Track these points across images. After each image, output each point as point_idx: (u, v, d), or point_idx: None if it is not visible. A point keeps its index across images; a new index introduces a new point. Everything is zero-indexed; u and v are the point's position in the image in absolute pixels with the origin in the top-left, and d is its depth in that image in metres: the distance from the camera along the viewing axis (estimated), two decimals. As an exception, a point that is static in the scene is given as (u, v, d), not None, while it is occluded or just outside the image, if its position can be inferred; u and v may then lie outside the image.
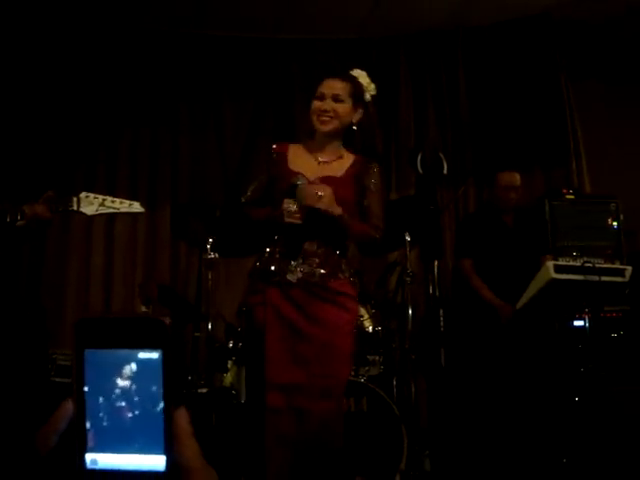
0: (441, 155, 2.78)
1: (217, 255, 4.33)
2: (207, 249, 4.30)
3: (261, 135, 5.94)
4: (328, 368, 3.08)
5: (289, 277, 3.14)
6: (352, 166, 3.29)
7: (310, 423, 3.04)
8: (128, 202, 3.28)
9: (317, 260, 3.17)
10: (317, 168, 3.27)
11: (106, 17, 5.70)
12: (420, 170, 2.52)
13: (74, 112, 5.70)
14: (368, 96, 3.36)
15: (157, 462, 0.73)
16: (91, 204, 3.12)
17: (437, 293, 2.07)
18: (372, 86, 3.38)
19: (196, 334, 4.63)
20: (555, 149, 5.85)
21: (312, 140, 3.34)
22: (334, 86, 3.25)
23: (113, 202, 3.21)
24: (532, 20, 5.93)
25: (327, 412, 3.08)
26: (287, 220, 3.07)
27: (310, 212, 3.07)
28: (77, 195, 3.12)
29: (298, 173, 3.18)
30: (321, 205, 3.05)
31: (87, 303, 5.54)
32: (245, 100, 6.00)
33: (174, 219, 5.51)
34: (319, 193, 3.05)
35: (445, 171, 2.48)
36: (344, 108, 3.23)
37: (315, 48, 6.03)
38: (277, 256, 3.19)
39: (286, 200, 3.07)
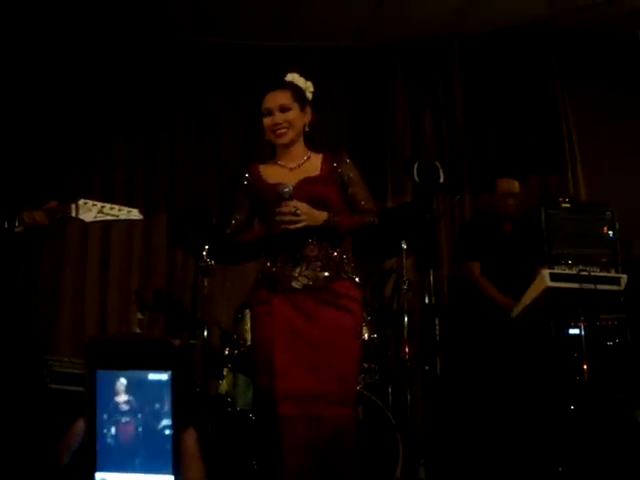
0: (437, 164, 2.80)
1: (213, 262, 4.33)
2: (203, 256, 4.31)
3: (258, 142, 5.94)
4: (338, 373, 3.09)
5: (294, 284, 3.17)
6: (324, 162, 3.36)
7: (325, 430, 3.04)
8: (127, 209, 3.28)
9: (319, 264, 3.19)
10: (292, 174, 3.32)
11: (104, 23, 5.70)
12: (416, 179, 2.53)
13: (71, 118, 5.69)
14: (309, 94, 3.43)
15: None
16: (89, 211, 3.12)
17: (433, 302, 2.06)
18: (309, 84, 3.46)
19: (192, 341, 4.62)
20: (550, 156, 5.87)
21: (276, 154, 3.42)
22: (277, 98, 3.31)
23: (112, 209, 3.21)
24: (527, 28, 5.95)
25: (341, 418, 3.09)
26: (291, 227, 3.10)
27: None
28: (75, 202, 3.12)
29: (278, 183, 3.22)
30: (301, 225, 3.10)
31: (82, 309, 5.54)
32: (242, 106, 6.00)
33: (170, 226, 5.51)
34: (297, 211, 3.09)
35: (442, 180, 2.49)
36: (294, 115, 3.30)
37: (312, 55, 6.04)
38: (279, 265, 3.22)
39: (278, 210, 3.11)
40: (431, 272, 1.98)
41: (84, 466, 0.75)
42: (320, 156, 3.39)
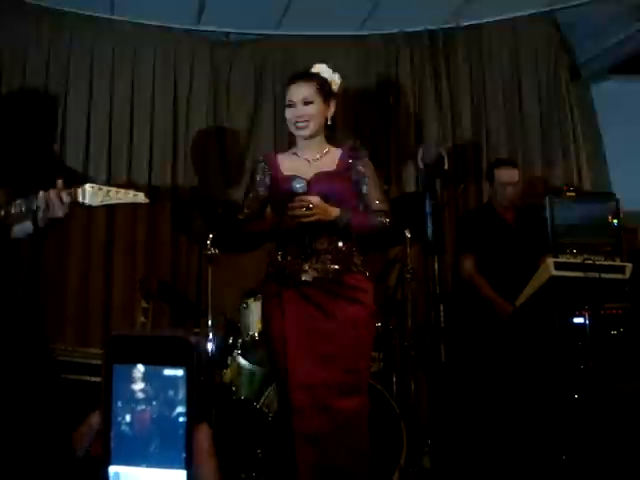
0: (442, 150, 2.80)
1: (217, 251, 4.33)
2: (207, 245, 4.30)
3: (261, 130, 5.93)
4: (351, 364, 3.12)
5: (304, 277, 3.18)
6: (342, 158, 3.36)
7: (338, 420, 3.06)
8: (132, 192, 3.27)
9: (329, 257, 3.20)
10: (309, 167, 3.33)
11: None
12: (421, 165, 2.53)
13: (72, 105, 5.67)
14: (335, 87, 3.42)
15: (178, 477, 0.74)
16: (96, 195, 3.11)
17: (438, 289, 2.06)
18: (336, 76, 3.43)
19: (196, 330, 4.63)
20: (555, 146, 5.85)
21: (296, 145, 3.43)
22: (300, 90, 3.30)
23: (117, 192, 3.20)
24: (533, 17, 5.93)
25: (354, 408, 3.10)
26: (302, 220, 3.11)
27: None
28: (82, 186, 3.11)
29: (293, 176, 3.25)
30: (313, 219, 3.10)
31: (87, 298, 5.53)
32: (245, 94, 5.98)
33: (175, 214, 5.51)
34: (310, 206, 3.10)
35: (446, 166, 2.49)
36: (316, 109, 3.30)
37: (313, 44, 6.01)
38: (289, 258, 3.22)
39: (290, 205, 3.12)
40: (436, 259, 1.98)
41: (98, 460, 0.76)
42: (339, 151, 3.39)
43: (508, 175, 4.92)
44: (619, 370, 4.54)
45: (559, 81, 5.93)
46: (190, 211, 4.72)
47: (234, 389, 4.32)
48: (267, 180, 3.37)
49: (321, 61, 3.47)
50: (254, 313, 4.36)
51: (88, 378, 4.01)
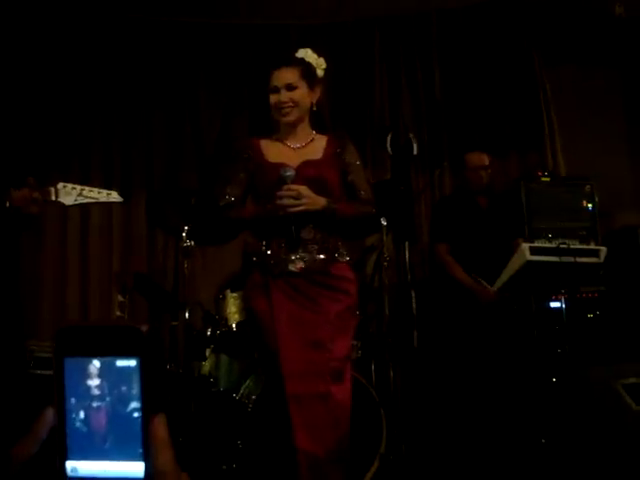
0: (411, 136, 2.78)
1: (193, 243, 4.31)
2: (183, 237, 4.28)
3: (236, 121, 5.91)
4: (338, 352, 3.10)
5: (291, 268, 3.13)
6: (328, 146, 3.29)
7: (331, 405, 3.04)
8: (106, 191, 3.27)
9: (316, 247, 3.16)
10: (294, 155, 3.25)
11: (75, 3, 5.63)
12: (390, 151, 2.51)
13: (47, 100, 5.63)
14: (320, 72, 3.35)
15: (136, 469, 0.74)
16: (69, 194, 3.11)
17: (409, 276, 2.06)
18: (321, 60, 3.36)
19: (173, 322, 4.61)
20: (530, 132, 5.88)
21: (279, 131, 3.34)
22: (284, 76, 3.22)
23: (91, 191, 3.20)
24: (506, 2, 5.93)
25: (342, 394, 3.10)
26: (289, 211, 3.06)
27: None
28: (55, 185, 3.10)
29: (280, 164, 3.16)
30: (301, 209, 3.06)
31: (64, 293, 5.50)
32: (220, 86, 5.96)
33: (150, 207, 5.48)
34: (299, 196, 3.06)
35: (415, 152, 2.47)
36: (300, 94, 3.22)
37: (288, 33, 6.00)
38: (275, 248, 3.16)
39: (278, 193, 3.06)
40: (407, 245, 1.97)
41: (54, 455, 0.75)
42: (325, 138, 3.33)
43: (478, 159, 4.93)
44: (596, 353, 4.58)
45: (533, 65, 5.95)
46: (164, 203, 4.68)
47: (212, 381, 4.30)
48: (250, 166, 3.26)
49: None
50: (231, 304, 4.35)
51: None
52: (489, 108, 5.91)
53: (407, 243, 2.04)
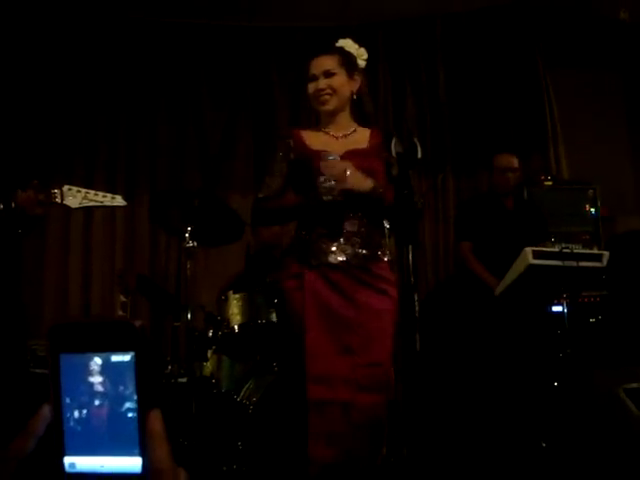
0: (415, 140, 2.76)
1: (196, 244, 4.30)
2: (186, 238, 4.27)
3: (240, 123, 5.92)
4: (373, 358, 2.92)
5: (330, 259, 2.96)
6: (372, 137, 3.15)
7: (355, 417, 2.86)
8: (110, 195, 3.28)
9: (359, 240, 3.00)
10: (338, 143, 3.10)
11: (79, 5, 5.64)
12: (394, 154, 2.49)
13: (51, 102, 5.64)
14: (361, 61, 3.23)
15: (133, 463, 0.74)
16: (74, 197, 3.12)
17: (412, 279, 2.06)
18: (362, 50, 3.24)
19: (175, 324, 4.61)
20: (533, 136, 5.88)
21: (320, 122, 3.21)
22: (322, 63, 3.10)
23: (96, 195, 3.21)
24: (510, 6, 5.94)
25: (372, 405, 2.91)
26: (326, 198, 2.92)
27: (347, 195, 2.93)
28: (60, 188, 3.11)
29: (323, 151, 3.00)
30: (347, 186, 2.89)
31: (66, 293, 5.51)
32: (223, 87, 5.97)
33: (153, 207, 5.48)
34: (347, 171, 2.89)
35: (419, 155, 2.46)
36: (339, 80, 3.08)
37: (292, 36, 6.01)
38: (315, 237, 3.00)
39: (321, 178, 2.90)
40: (410, 249, 1.97)
41: (51, 452, 0.75)
42: (368, 131, 3.17)
43: (507, 161, 4.92)
44: (597, 357, 4.57)
45: (537, 69, 5.95)
46: (167, 203, 4.68)
47: (214, 382, 4.30)
48: (291, 155, 3.09)
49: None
50: (233, 306, 4.34)
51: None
52: (493, 112, 5.91)
53: (410, 246, 2.03)
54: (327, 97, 3.08)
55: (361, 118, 3.22)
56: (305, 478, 2.88)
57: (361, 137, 3.16)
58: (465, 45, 6.01)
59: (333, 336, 2.92)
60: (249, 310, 4.22)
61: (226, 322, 4.37)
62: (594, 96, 6.00)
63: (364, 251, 2.99)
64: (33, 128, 5.56)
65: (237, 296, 4.31)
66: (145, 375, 0.74)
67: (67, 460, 0.75)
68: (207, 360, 4.40)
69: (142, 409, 0.74)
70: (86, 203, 3.15)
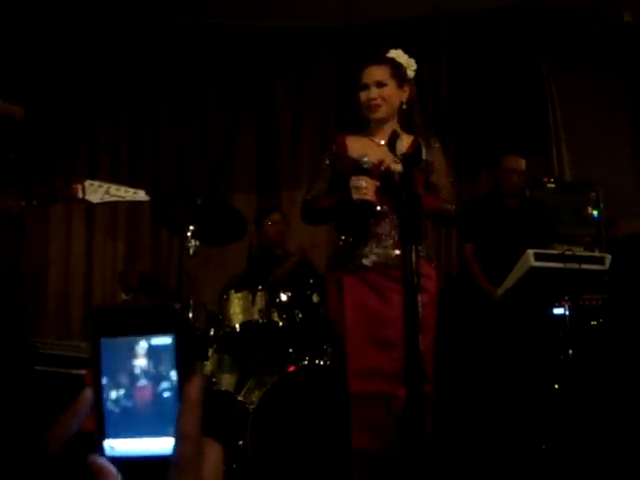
0: (420, 140, 2.81)
1: (198, 242, 4.30)
2: (188, 237, 4.27)
3: (243, 122, 5.92)
4: None
5: (364, 261, 3.11)
6: (413, 144, 3.21)
7: (397, 409, 2.94)
8: (132, 190, 3.24)
9: (391, 241, 3.13)
10: (379, 150, 3.19)
11: (83, 3, 5.64)
12: (398, 155, 2.52)
13: (54, 101, 5.64)
14: (411, 72, 3.39)
15: (170, 445, 0.73)
16: (96, 192, 3.08)
17: (415, 279, 2.06)
18: (411, 61, 3.41)
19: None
20: (536, 138, 5.87)
21: (369, 128, 3.34)
22: (374, 73, 3.26)
23: (118, 190, 3.16)
24: (514, 9, 5.94)
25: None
26: (357, 197, 3.02)
27: (384, 178, 3.02)
28: (82, 183, 3.08)
29: (359, 158, 3.14)
30: (367, 198, 3.00)
31: (68, 291, 5.51)
32: (226, 87, 5.97)
33: (155, 206, 5.48)
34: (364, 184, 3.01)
35: (424, 156, 2.49)
36: (389, 91, 3.24)
37: (297, 36, 6.01)
38: (350, 242, 3.17)
39: (354, 177, 3.04)
40: (413, 248, 1.98)
41: (91, 435, 0.76)
42: (411, 138, 3.27)
43: (515, 163, 4.92)
44: (599, 360, 4.57)
45: (540, 71, 5.95)
46: (170, 202, 4.68)
47: (215, 381, 4.30)
48: (334, 160, 3.30)
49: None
50: (235, 305, 4.34)
51: (69, 371, 3.99)
52: (495, 113, 5.91)
53: (414, 246, 2.04)
54: (378, 106, 3.23)
55: (409, 127, 3.33)
56: (350, 469, 3.01)
57: (403, 144, 3.16)
58: (469, 46, 6.01)
59: (372, 333, 3.06)
60: (250, 309, 4.22)
61: (227, 321, 4.37)
62: (597, 99, 5.99)
63: (397, 251, 3.08)
64: (33, 128, 5.55)
65: (239, 295, 4.32)
66: (184, 357, 0.74)
67: (107, 443, 0.75)
68: (208, 359, 4.40)
69: (181, 389, 0.74)
70: (108, 198, 3.11)
